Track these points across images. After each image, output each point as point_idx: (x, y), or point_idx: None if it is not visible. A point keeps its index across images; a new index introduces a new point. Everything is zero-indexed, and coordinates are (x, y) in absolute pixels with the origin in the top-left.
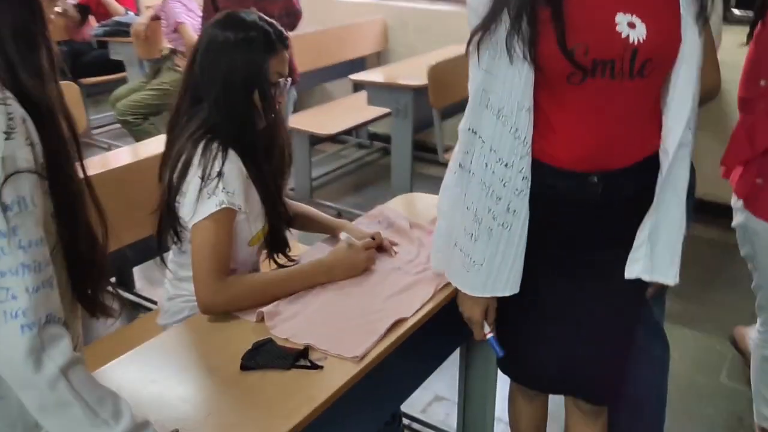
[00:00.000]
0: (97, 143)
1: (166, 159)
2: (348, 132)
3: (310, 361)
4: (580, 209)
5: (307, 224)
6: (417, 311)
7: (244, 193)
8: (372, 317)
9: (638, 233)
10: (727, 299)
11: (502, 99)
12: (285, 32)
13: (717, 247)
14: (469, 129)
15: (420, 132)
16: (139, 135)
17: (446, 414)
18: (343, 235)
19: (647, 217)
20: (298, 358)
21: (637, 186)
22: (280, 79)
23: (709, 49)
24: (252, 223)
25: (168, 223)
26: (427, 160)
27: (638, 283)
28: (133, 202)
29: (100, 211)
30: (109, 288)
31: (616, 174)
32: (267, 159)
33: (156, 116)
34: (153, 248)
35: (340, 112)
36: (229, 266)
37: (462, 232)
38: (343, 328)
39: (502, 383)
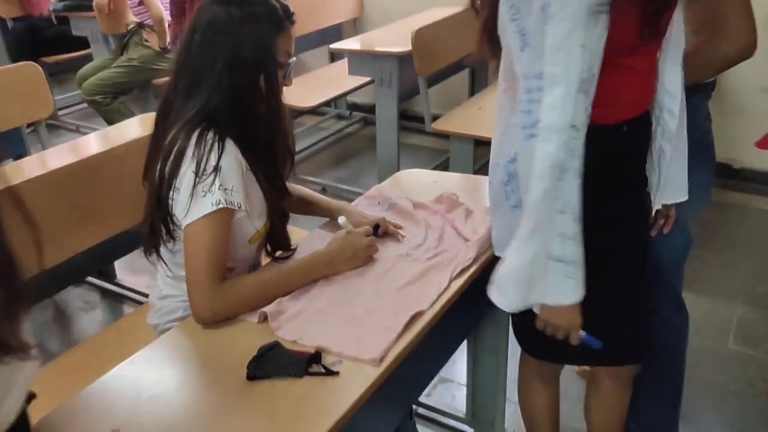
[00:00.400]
0: (65, 125)
1: (155, 151)
2: (327, 103)
3: (325, 367)
4: (621, 160)
5: (306, 208)
6: (434, 303)
7: (244, 189)
8: (386, 311)
9: (660, 167)
10: (729, 261)
11: (592, 77)
12: (291, 7)
13: (717, 208)
14: (572, 126)
15: (403, 101)
16: (109, 115)
17: (453, 396)
18: (341, 221)
19: (662, 153)
20: (311, 363)
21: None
22: (289, 60)
23: (741, 7)
24: (253, 221)
25: (158, 222)
26: (411, 129)
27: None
28: (109, 193)
29: (31, 223)
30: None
31: (641, 119)
32: (269, 149)
33: (126, 95)
34: (134, 240)
35: (318, 83)
36: (226, 269)
37: (557, 240)
38: (356, 325)
39: (511, 364)
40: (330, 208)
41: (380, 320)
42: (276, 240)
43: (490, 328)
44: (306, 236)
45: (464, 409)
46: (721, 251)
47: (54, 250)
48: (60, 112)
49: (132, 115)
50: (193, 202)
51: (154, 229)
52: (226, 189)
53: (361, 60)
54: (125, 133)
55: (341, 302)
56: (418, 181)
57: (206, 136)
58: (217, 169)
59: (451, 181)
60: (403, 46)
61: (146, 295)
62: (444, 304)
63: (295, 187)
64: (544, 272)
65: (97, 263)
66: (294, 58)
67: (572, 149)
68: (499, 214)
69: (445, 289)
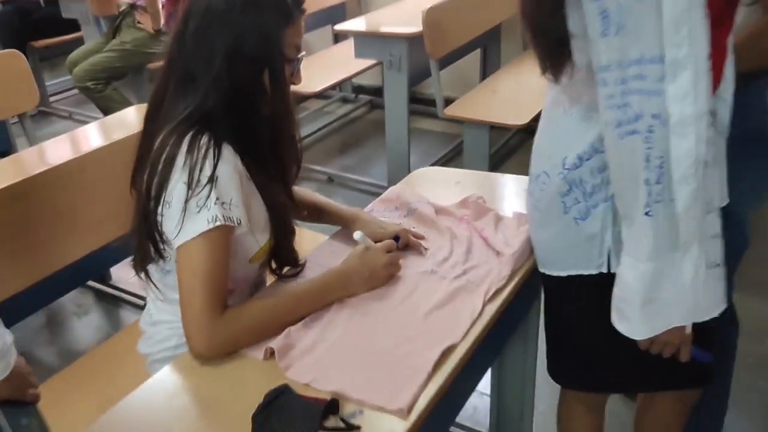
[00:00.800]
0: (56, 112)
1: (143, 157)
2: (332, 87)
3: (344, 421)
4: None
5: (315, 216)
6: (467, 333)
7: (244, 202)
8: (412, 346)
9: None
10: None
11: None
12: None
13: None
14: (707, 112)
15: (413, 85)
16: (101, 102)
17: (474, 408)
18: (357, 236)
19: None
20: (326, 414)
21: None
22: (298, 55)
23: None
24: (256, 236)
25: (147, 239)
26: (421, 112)
27: None
28: (108, 193)
29: None
30: None
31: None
32: (273, 155)
33: (119, 80)
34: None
35: (323, 66)
36: (226, 295)
37: (712, 244)
38: (378, 365)
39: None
40: (342, 216)
41: (406, 358)
42: (281, 256)
43: (519, 339)
44: (316, 249)
45: (487, 423)
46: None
47: (51, 257)
48: (52, 98)
49: (126, 101)
50: (185, 218)
51: (141, 246)
52: (223, 203)
53: (368, 42)
54: (125, 125)
55: (360, 333)
56: (438, 181)
57: (200, 140)
58: (212, 179)
59: (475, 180)
60: (413, 26)
61: (144, 298)
62: (479, 335)
63: (301, 191)
64: (707, 285)
65: (95, 270)
66: (303, 53)
67: (706, 139)
68: (552, 229)
69: (479, 315)
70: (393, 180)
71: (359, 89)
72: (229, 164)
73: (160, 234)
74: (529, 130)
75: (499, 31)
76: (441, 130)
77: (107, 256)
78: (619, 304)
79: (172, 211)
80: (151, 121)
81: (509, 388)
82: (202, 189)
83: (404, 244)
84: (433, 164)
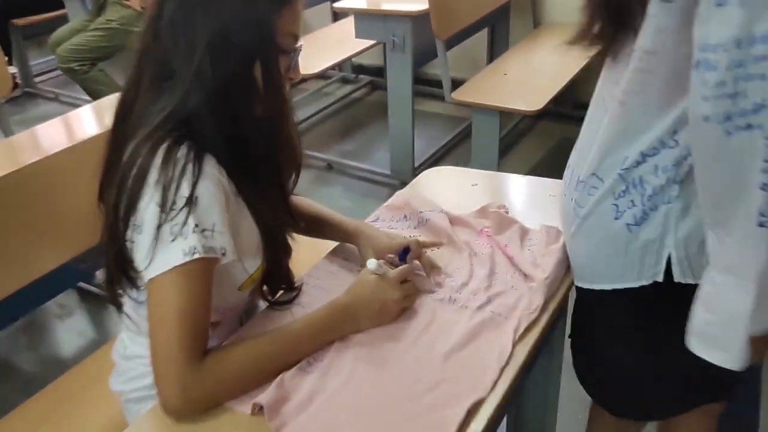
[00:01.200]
0: (42, 93)
1: (112, 167)
2: (331, 67)
3: None
4: None
5: (316, 229)
6: (496, 383)
7: (231, 225)
8: (430, 400)
9: None
10: None
11: None
12: None
13: None
14: None
15: (418, 67)
16: (87, 84)
17: None
18: (371, 265)
19: None
20: None
21: None
22: (295, 45)
23: None
24: (246, 263)
25: (115, 266)
26: (425, 94)
27: None
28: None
29: None
30: None
31: None
32: (267, 163)
33: (105, 60)
34: None
35: (321, 46)
36: (206, 339)
37: None
38: (389, 423)
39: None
40: (344, 229)
41: (423, 416)
42: (275, 279)
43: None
44: (314, 269)
45: None
46: None
47: (33, 262)
48: (36, 79)
49: (114, 84)
50: (157, 248)
51: (110, 272)
52: (204, 230)
53: (369, 21)
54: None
55: (367, 380)
56: (452, 183)
57: (177, 152)
58: (191, 201)
59: (495, 183)
60: (417, 3)
61: None
62: (510, 385)
63: (298, 200)
64: None
65: (82, 274)
66: (301, 43)
67: None
68: (597, 237)
69: (509, 359)
70: (396, 168)
71: (359, 69)
72: (212, 181)
73: (130, 261)
74: (538, 115)
75: (508, 9)
76: (446, 112)
77: (95, 259)
78: (711, 330)
79: (143, 237)
80: (121, 122)
81: (530, 400)
82: (178, 213)
83: (415, 257)
84: (438, 150)
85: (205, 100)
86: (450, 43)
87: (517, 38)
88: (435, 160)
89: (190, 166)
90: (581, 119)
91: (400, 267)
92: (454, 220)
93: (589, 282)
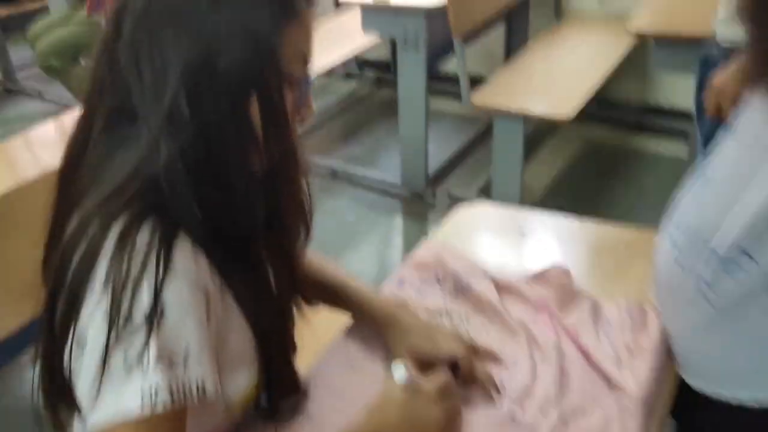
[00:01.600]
0: (24, 90)
1: (54, 239)
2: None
3: None
4: None
5: (332, 301)
6: None
7: (214, 336)
8: None
9: None
10: None
11: None
12: None
13: None
14: None
15: (431, 65)
16: (69, 83)
17: None
18: (398, 373)
19: None
20: None
21: None
22: (305, 71)
23: None
24: (238, 379)
25: (50, 382)
26: (436, 91)
27: None
28: None
29: None
30: None
31: None
32: (269, 231)
33: (87, 56)
34: None
35: (324, 40)
36: None
37: None
38: None
39: None
40: (373, 315)
41: None
42: (275, 386)
43: None
44: (323, 364)
45: None
46: None
47: None
48: (19, 75)
49: None
50: (106, 381)
51: (45, 384)
52: (172, 360)
53: (378, 15)
54: None
55: None
56: (493, 226)
57: (135, 235)
58: (154, 314)
59: (552, 228)
60: None
61: None
62: None
63: (309, 264)
64: None
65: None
66: (308, 67)
67: None
68: (736, 334)
69: None
70: (407, 177)
71: (365, 63)
72: (185, 281)
73: (69, 386)
74: None
75: (527, 1)
76: (459, 111)
77: None
78: None
79: (86, 359)
80: (66, 183)
81: None
82: (136, 332)
83: (466, 375)
84: (454, 156)
85: (179, 154)
86: (466, 38)
87: (537, 29)
88: (450, 167)
89: (152, 259)
90: (607, 119)
91: (438, 374)
92: (502, 287)
93: (713, 386)
